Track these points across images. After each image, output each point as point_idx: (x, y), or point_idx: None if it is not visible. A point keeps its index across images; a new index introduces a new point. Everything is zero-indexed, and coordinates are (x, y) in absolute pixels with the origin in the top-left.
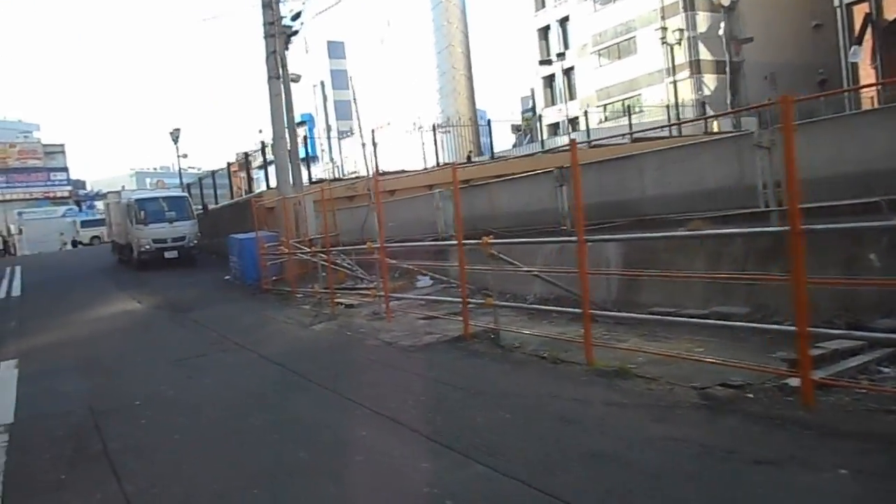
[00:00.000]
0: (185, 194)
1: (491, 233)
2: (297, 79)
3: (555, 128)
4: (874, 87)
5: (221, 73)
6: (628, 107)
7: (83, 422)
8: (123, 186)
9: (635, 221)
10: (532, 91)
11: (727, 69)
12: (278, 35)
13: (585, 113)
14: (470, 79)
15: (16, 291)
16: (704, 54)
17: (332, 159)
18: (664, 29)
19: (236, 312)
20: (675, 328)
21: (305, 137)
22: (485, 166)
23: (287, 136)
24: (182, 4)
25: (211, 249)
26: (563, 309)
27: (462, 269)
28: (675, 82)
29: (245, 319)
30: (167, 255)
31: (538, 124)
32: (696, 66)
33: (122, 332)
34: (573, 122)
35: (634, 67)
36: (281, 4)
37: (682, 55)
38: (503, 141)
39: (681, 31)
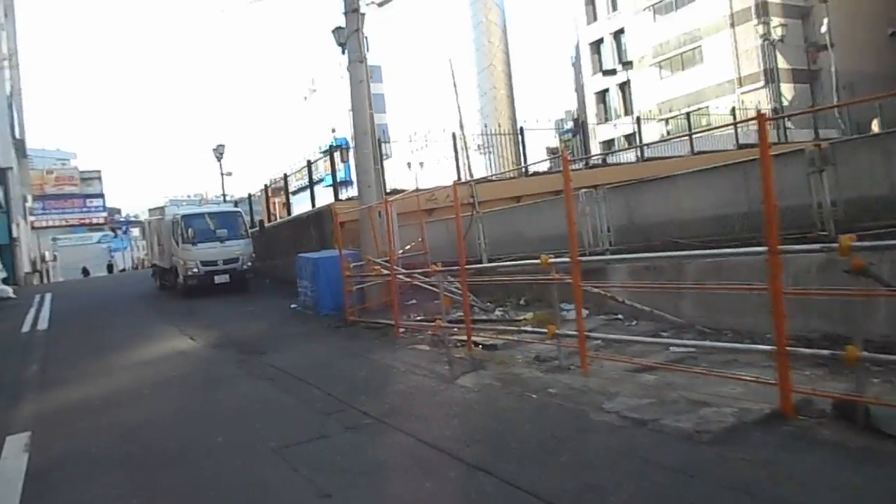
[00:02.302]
0: (238, 209)
1: (677, 242)
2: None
3: (608, 145)
4: None
5: (261, 92)
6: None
7: None
8: (166, 204)
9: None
10: (575, 111)
11: (805, 78)
12: (360, 10)
13: (639, 122)
14: (511, 98)
15: (42, 324)
16: (781, 62)
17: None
18: (735, 37)
19: (330, 356)
20: None
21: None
22: (624, 168)
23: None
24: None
25: (264, 273)
26: None
27: (777, 291)
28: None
29: (350, 368)
30: (217, 279)
31: (580, 140)
32: (771, 75)
33: (178, 387)
34: (629, 138)
35: (701, 78)
36: None
37: (754, 64)
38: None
39: (758, 37)
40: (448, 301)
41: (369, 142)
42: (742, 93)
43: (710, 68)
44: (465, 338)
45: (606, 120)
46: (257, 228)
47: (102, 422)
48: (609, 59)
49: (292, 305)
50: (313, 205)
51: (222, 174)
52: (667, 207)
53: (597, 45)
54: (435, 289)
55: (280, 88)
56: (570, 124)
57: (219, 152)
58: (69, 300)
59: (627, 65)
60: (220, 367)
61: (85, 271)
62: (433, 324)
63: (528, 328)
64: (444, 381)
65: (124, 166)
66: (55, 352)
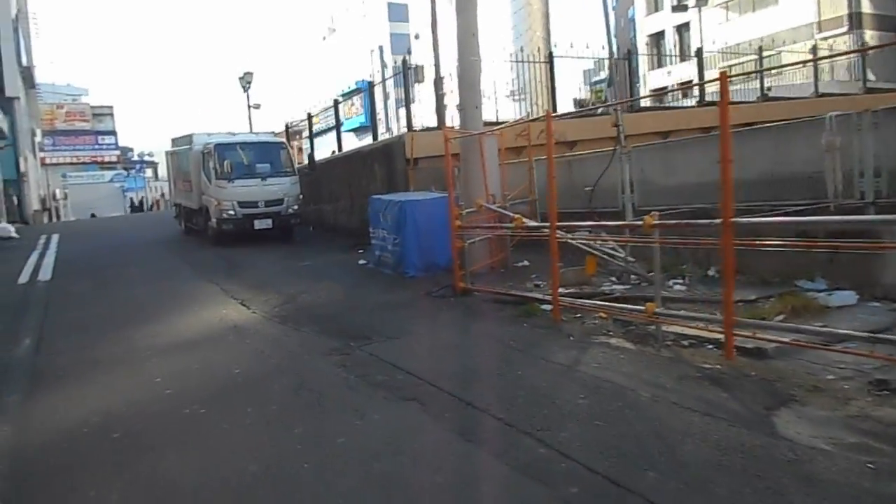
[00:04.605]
0: (283, 140)
1: None
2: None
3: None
4: None
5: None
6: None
7: None
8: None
9: None
10: (608, 60)
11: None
12: None
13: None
14: (548, 41)
15: (45, 273)
16: (865, 6)
17: (388, 128)
18: None
19: (478, 351)
20: None
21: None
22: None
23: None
24: None
25: (307, 219)
26: None
27: None
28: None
29: (535, 381)
30: (258, 224)
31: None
32: (856, 21)
33: (252, 404)
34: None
35: (773, 21)
36: None
37: (837, 7)
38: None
39: None
40: (592, 265)
41: (477, 45)
42: (821, 38)
43: (784, 10)
44: (693, 333)
45: (660, 65)
46: (307, 165)
47: (122, 497)
48: None
49: (361, 262)
50: (339, 148)
51: (249, 106)
52: None
53: None
54: (594, 251)
55: (300, 25)
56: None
57: (246, 81)
58: (79, 243)
59: (701, 0)
60: (308, 362)
61: (133, 208)
62: (621, 306)
63: (776, 321)
64: (761, 433)
65: (138, 104)
66: (57, 317)
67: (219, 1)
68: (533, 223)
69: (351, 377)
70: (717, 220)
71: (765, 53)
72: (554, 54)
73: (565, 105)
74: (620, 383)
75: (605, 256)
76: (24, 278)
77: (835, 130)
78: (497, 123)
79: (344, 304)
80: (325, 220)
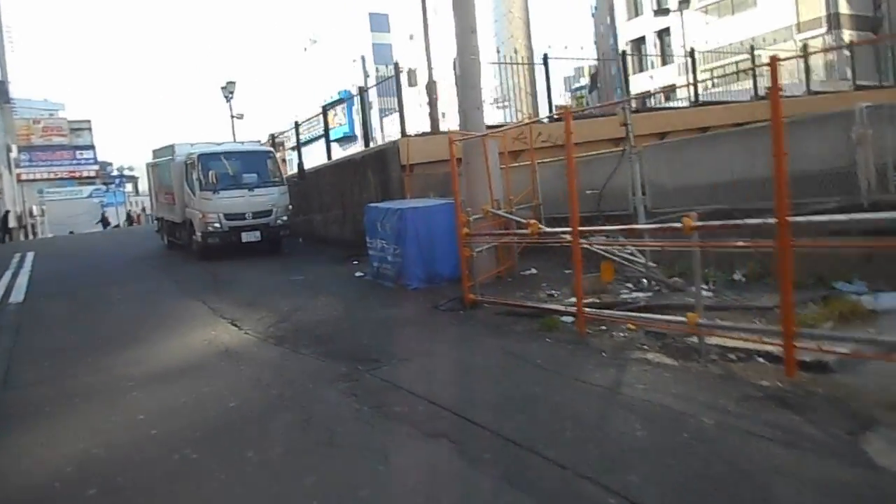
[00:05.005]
0: (270, 149)
1: None
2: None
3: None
4: None
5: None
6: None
7: None
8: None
9: None
10: (594, 67)
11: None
12: None
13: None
14: (530, 49)
15: (17, 294)
16: (843, 7)
17: (373, 137)
18: None
19: (506, 373)
20: None
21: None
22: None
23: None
24: None
25: (297, 231)
26: None
27: None
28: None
29: (584, 412)
30: (245, 237)
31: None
32: (834, 21)
33: (252, 447)
34: (667, 90)
35: (753, 24)
36: None
37: (815, 7)
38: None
39: None
40: (608, 272)
41: (476, 42)
42: (801, 39)
43: (764, 12)
44: (740, 345)
45: (641, 70)
46: (297, 175)
47: None
48: (648, 4)
49: (358, 274)
50: (329, 156)
51: (233, 116)
52: None
53: None
54: (612, 256)
55: (281, 37)
56: (583, 81)
57: (228, 91)
58: (55, 261)
59: (684, 3)
60: (314, 391)
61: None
62: (656, 316)
63: (821, 331)
64: (857, 464)
65: (116, 118)
66: (29, 343)
67: (198, 12)
68: (549, 229)
69: (364, 409)
70: (772, 220)
71: (751, 53)
72: (548, 56)
73: (546, 111)
74: (676, 408)
75: (623, 262)
76: None
77: (865, 123)
78: (489, 128)
79: (345, 321)
80: (315, 231)
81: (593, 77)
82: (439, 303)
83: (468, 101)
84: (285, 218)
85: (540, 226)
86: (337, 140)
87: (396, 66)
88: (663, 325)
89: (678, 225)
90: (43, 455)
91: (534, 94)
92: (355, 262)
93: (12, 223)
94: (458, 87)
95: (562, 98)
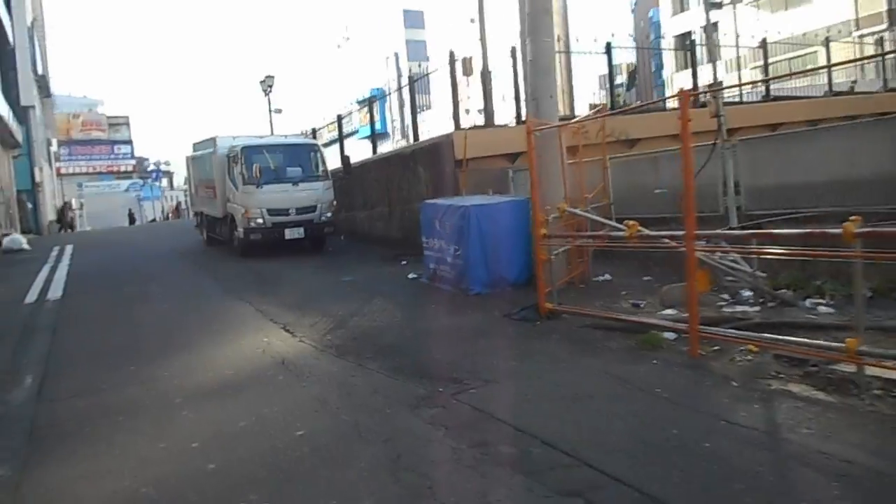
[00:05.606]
0: (316, 142)
1: None
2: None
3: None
4: None
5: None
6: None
7: None
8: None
9: None
10: (632, 64)
11: None
12: None
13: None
14: (567, 45)
15: (55, 290)
16: None
17: (405, 135)
18: None
19: (627, 406)
20: None
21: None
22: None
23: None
24: None
25: (338, 228)
26: None
27: None
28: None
29: (717, 447)
30: (289, 234)
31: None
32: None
33: (343, 502)
34: (713, 87)
35: (807, 19)
36: None
37: (875, 3)
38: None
39: None
40: (705, 282)
41: (551, 25)
42: (859, 36)
43: (820, 7)
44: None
45: (686, 67)
46: (341, 169)
47: None
48: None
49: (411, 276)
50: (374, 151)
51: (271, 110)
52: None
53: None
54: (714, 263)
55: (315, 34)
56: (619, 79)
57: (267, 84)
58: (94, 255)
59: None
60: (393, 418)
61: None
62: (801, 340)
63: None
64: None
65: (154, 114)
66: (66, 346)
67: (234, 10)
68: (652, 232)
69: (464, 448)
70: None
71: (810, 49)
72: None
73: (581, 109)
74: (867, 464)
75: (727, 270)
76: (32, 296)
77: None
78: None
79: (407, 329)
80: (357, 229)
81: (631, 74)
82: (511, 311)
83: (541, 88)
84: (329, 214)
85: (640, 227)
86: (367, 137)
87: (451, 54)
88: (801, 349)
89: (836, 230)
90: (85, 494)
91: (570, 91)
92: (404, 263)
93: (51, 216)
94: (528, 74)
95: (595, 97)
